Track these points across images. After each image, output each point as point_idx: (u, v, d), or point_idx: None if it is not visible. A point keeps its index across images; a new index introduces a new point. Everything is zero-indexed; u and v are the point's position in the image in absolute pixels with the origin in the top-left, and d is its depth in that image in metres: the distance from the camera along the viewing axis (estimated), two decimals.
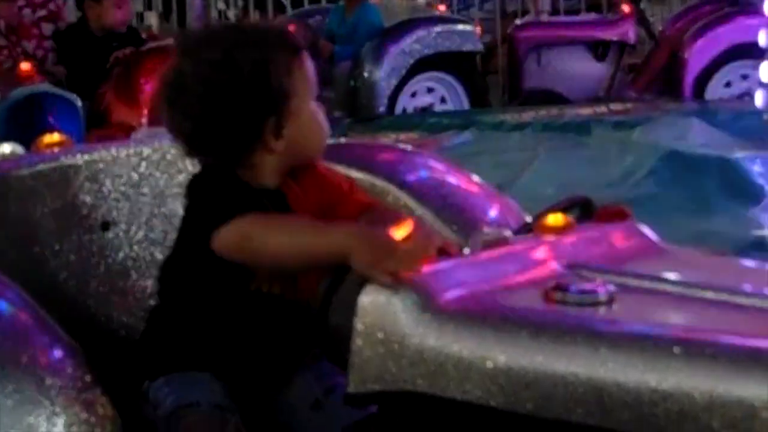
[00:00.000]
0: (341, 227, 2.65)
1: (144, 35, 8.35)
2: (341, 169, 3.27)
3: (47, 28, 7.74)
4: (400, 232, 2.51)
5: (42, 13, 7.79)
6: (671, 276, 2.50)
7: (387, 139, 4.51)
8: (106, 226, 3.28)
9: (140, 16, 16.28)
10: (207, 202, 2.85)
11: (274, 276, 2.89)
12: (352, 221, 2.85)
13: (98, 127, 5.07)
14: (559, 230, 2.64)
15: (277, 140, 2.86)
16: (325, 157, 3.25)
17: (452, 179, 3.35)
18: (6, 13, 7.50)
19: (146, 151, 3.33)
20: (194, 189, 2.94)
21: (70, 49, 7.15)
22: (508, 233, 2.64)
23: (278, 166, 2.93)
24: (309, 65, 2.95)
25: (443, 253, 2.58)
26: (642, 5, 11.73)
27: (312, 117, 2.93)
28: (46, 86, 5.78)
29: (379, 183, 3.28)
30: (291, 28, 3.27)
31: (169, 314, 2.99)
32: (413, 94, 9.21)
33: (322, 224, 2.74)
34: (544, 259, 2.55)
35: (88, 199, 3.29)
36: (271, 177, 2.92)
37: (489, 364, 2.23)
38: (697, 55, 9.09)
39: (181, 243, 3.00)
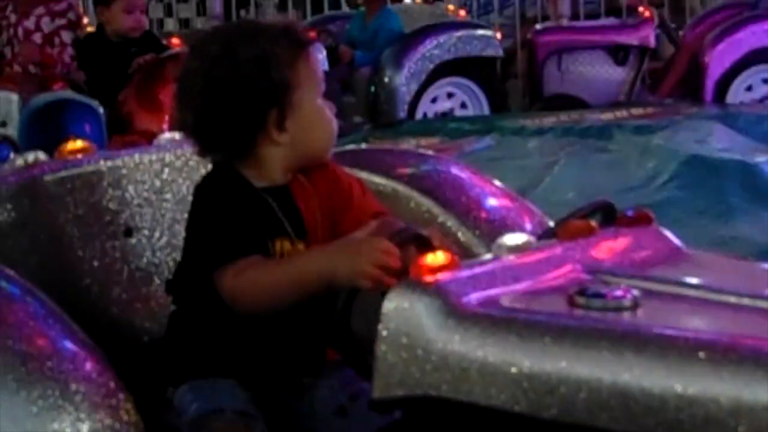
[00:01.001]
0: (319, 250, 2.74)
1: (165, 42, 8.49)
2: (363, 175, 3.28)
3: (67, 36, 7.81)
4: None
5: (62, 21, 7.86)
6: (695, 281, 2.50)
7: (408, 144, 4.52)
8: (129, 232, 3.30)
9: (160, 23, 16.41)
10: (209, 219, 2.86)
11: None
12: (362, 225, 2.84)
13: (120, 133, 5.10)
14: (582, 235, 2.65)
15: (281, 133, 2.87)
16: (346, 163, 3.29)
17: (474, 185, 3.35)
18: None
19: (168, 157, 3.36)
20: (198, 196, 2.95)
21: (88, 55, 7.20)
22: (531, 238, 2.65)
23: (285, 160, 2.94)
24: (315, 60, 2.97)
25: (428, 244, 2.54)
26: (663, 10, 11.73)
27: (316, 110, 2.94)
28: (68, 93, 5.79)
29: (401, 189, 3.29)
30: (311, 33, 3.28)
31: (188, 320, 2.99)
32: (434, 100, 9.22)
33: (303, 256, 2.79)
34: (568, 264, 2.54)
35: (111, 205, 3.31)
36: (278, 172, 2.93)
37: (513, 369, 2.23)
38: (718, 59, 9.05)
39: (189, 252, 2.96)
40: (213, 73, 2.86)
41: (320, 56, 2.89)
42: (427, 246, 2.54)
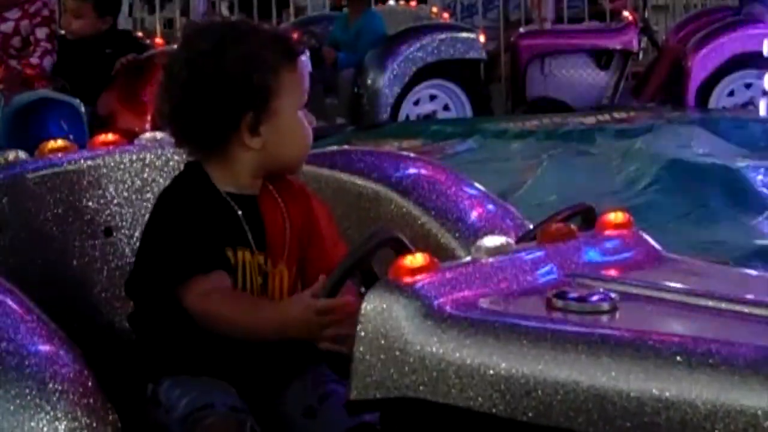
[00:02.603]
0: (277, 309, 2.77)
1: (148, 41, 8.54)
2: (344, 177, 3.33)
3: (41, 33, 7.83)
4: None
5: (36, 20, 7.90)
6: (673, 284, 2.53)
7: (390, 146, 4.56)
8: (108, 231, 3.32)
9: (142, 21, 16.36)
10: (167, 226, 2.90)
11: None
12: (325, 254, 2.89)
13: (102, 132, 5.14)
14: (562, 239, 2.68)
15: (253, 137, 2.92)
16: (327, 164, 3.36)
17: (455, 187, 3.38)
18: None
19: (149, 156, 3.38)
20: (162, 200, 2.97)
21: (62, 56, 7.32)
22: (510, 241, 2.68)
23: (254, 165, 2.99)
24: (301, 73, 3.01)
25: (405, 247, 2.56)
26: (646, 14, 11.73)
27: (293, 121, 2.99)
28: (48, 92, 5.86)
29: (382, 191, 3.31)
30: (294, 35, 3.30)
31: (152, 321, 2.97)
32: (416, 102, 9.33)
33: (264, 309, 2.82)
34: (547, 267, 2.57)
35: (91, 204, 3.33)
36: (246, 177, 2.99)
37: (491, 372, 2.26)
38: (701, 64, 9.16)
39: (148, 257, 2.90)
40: (197, 66, 2.91)
41: (307, 66, 2.90)
42: (405, 248, 2.57)
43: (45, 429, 2.51)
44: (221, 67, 2.93)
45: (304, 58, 3.10)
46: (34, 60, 7.50)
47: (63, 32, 7.46)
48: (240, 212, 2.96)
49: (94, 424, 2.53)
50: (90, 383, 2.61)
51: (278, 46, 2.99)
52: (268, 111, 2.94)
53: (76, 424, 2.49)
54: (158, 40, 8.25)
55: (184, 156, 3.17)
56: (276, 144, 3.00)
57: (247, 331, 2.88)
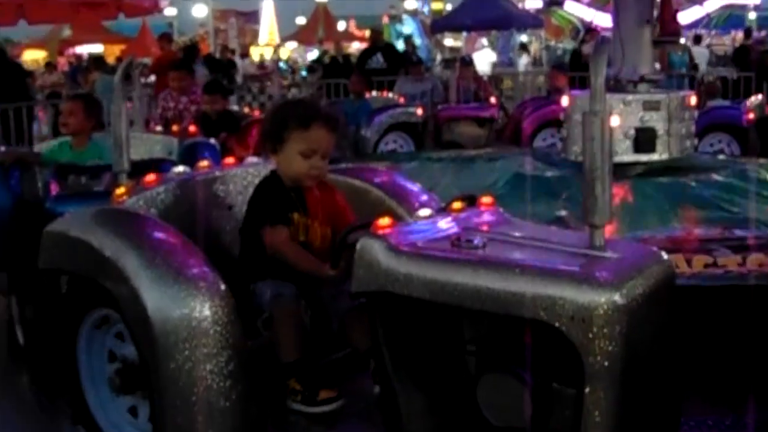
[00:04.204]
0: (314, 264, 3.41)
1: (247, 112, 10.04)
2: (348, 179, 3.87)
3: (191, 108, 9.25)
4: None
5: (192, 97, 9.35)
6: (516, 233, 2.88)
7: (372, 165, 5.58)
8: (230, 207, 3.79)
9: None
10: (258, 201, 3.50)
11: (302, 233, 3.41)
12: (342, 217, 3.56)
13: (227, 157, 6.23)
14: (459, 211, 3.02)
15: (274, 155, 3.52)
16: (341, 173, 3.90)
17: (405, 184, 3.83)
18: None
19: (251, 170, 3.86)
20: (257, 188, 3.57)
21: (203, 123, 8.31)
22: (433, 212, 3.03)
23: (283, 174, 3.52)
24: (312, 135, 3.49)
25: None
26: (502, 99, 15.04)
27: (290, 159, 3.49)
28: (200, 138, 6.98)
29: (368, 187, 3.79)
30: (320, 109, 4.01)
31: (251, 249, 3.50)
32: (386, 143, 11.62)
33: (308, 259, 3.42)
34: (451, 225, 2.91)
35: (221, 194, 3.80)
36: (287, 180, 3.50)
37: (422, 277, 2.68)
38: (529, 124, 11.66)
39: (249, 216, 3.57)
40: (266, 119, 3.59)
41: (324, 132, 3.54)
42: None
43: (197, 307, 2.95)
44: (273, 117, 3.60)
45: (315, 127, 3.57)
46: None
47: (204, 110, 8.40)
48: (294, 195, 3.46)
49: (223, 304, 2.95)
50: (220, 283, 2.97)
51: (299, 116, 3.53)
52: (281, 147, 3.50)
53: (213, 303, 2.97)
54: (255, 113, 9.98)
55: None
56: (282, 166, 3.53)
57: (292, 264, 3.32)
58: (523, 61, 22.76)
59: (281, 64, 25.94)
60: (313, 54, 29.69)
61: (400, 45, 20.05)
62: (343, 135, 12.07)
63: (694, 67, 15.70)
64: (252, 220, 3.45)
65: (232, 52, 24.67)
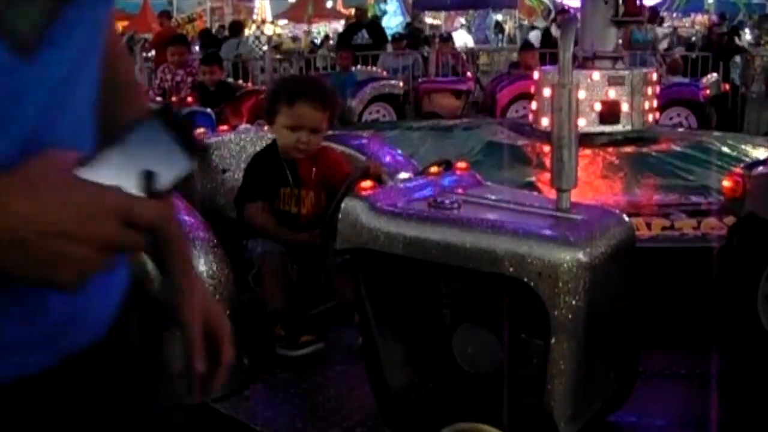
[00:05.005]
0: (285, 235, 3.38)
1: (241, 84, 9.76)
2: (336, 145, 3.83)
3: (188, 79, 9.07)
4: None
5: (188, 69, 9.10)
6: (489, 196, 2.84)
7: (358, 132, 5.69)
8: (224, 171, 3.77)
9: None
10: (245, 175, 3.52)
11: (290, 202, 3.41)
12: (342, 177, 3.32)
13: (222, 125, 5.94)
14: (436, 175, 2.99)
15: (269, 126, 3.51)
16: (331, 140, 3.83)
17: (387, 151, 3.80)
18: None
19: (243, 136, 3.82)
20: (252, 159, 3.54)
21: (201, 93, 8.20)
22: (411, 175, 3.02)
23: (279, 143, 3.51)
24: (296, 111, 3.49)
25: (367, 175, 2.97)
26: (478, 73, 14.78)
27: (280, 129, 3.49)
28: (197, 107, 7.08)
29: (353, 152, 3.80)
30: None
31: (242, 216, 3.43)
32: (370, 113, 11.48)
33: (276, 230, 3.46)
34: (429, 187, 2.88)
35: (215, 158, 3.75)
36: (283, 150, 3.49)
37: (401, 234, 2.68)
38: (503, 97, 11.44)
39: (241, 186, 3.51)
40: (269, 92, 3.61)
41: (308, 109, 3.53)
42: (366, 177, 2.91)
43: (193, 263, 2.73)
44: (273, 91, 3.56)
45: (300, 103, 3.54)
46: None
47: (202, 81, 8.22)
48: (287, 167, 3.46)
49: (217, 260, 2.99)
50: (214, 240, 3.02)
51: (287, 92, 3.51)
52: (274, 119, 3.45)
53: (210, 258, 2.99)
54: (249, 84, 9.54)
55: (259, 134, 3.57)
56: (277, 137, 3.50)
57: (261, 233, 3.36)
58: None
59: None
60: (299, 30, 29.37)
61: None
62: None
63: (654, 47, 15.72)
64: (240, 190, 3.55)
65: (224, 28, 24.40)
